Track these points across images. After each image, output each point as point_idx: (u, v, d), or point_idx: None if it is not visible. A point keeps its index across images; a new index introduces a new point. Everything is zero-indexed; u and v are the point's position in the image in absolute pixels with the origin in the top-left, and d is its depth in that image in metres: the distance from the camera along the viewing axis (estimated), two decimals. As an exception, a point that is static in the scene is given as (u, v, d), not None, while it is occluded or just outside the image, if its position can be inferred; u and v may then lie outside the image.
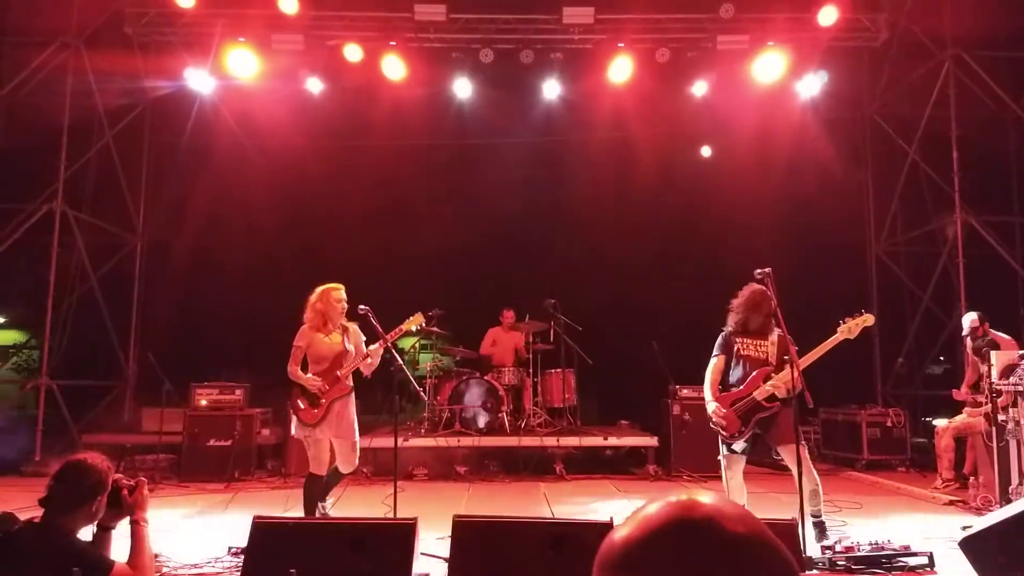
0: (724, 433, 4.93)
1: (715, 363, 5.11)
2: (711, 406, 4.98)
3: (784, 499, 6.43)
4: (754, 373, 4.88)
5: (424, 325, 5.66)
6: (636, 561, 0.77)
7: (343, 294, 5.30)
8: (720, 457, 5.08)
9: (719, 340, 5.18)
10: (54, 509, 2.85)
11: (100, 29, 9.22)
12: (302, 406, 5.13)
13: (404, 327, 5.41)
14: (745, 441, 4.91)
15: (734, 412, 4.89)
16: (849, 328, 4.77)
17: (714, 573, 0.74)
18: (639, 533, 0.78)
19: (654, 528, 0.78)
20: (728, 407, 4.91)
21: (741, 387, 4.91)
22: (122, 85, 9.58)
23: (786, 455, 4.76)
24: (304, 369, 5.21)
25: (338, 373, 5.17)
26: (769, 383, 4.79)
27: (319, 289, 5.28)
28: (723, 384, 5.09)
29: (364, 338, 5.35)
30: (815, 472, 4.82)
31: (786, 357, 4.70)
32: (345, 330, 5.32)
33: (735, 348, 5.06)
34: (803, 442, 4.74)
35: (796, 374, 4.57)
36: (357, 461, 5.28)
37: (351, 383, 5.26)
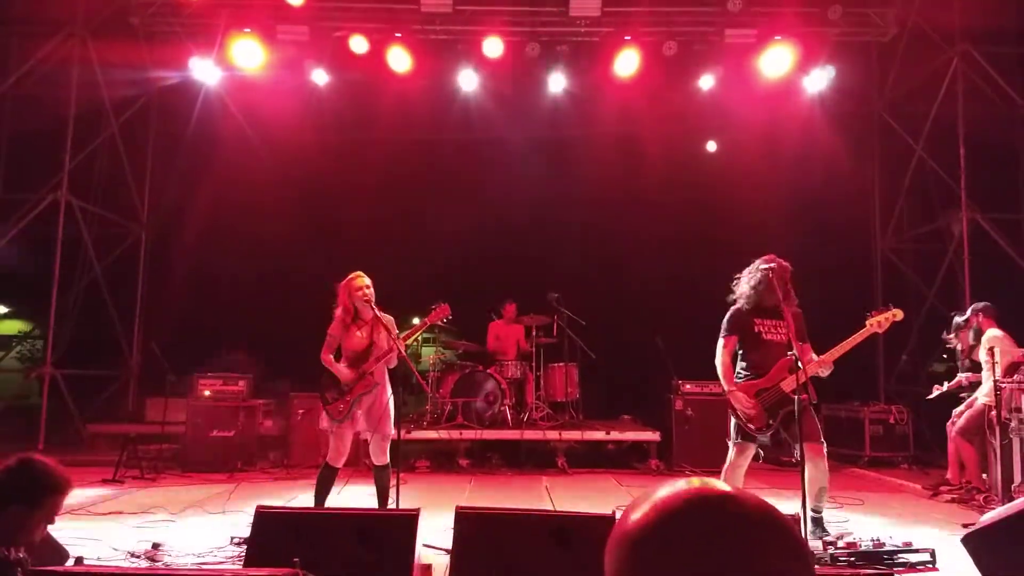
0: (751, 426, 4.63)
1: (726, 344, 4.78)
2: (738, 396, 4.61)
3: (786, 494, 6.43)
4: (779, 362, 4.56)
5: (449, 318, 5.45)
6: (652, 540, 0.77)
7: (365, 281, 5.07)
8: (732, 442, 4.80)
9: (729, 318, 4.85)
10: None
11: (106, 20, 9.22)
12: (330, 399, 5.05)
13: (429, 320, 5.26)
14: (770, 436, 4.64)
15: (760, 404, 4.59)
16: (878, 322, 4.54)
17: (730, 552, 0.74)
18: (655, 513, 0.78)
19: (670, 508, 0.78)
20: (753, 398, 4.60)
21: (763, 376, 4.60)
22: (127, 76, 9.57)
23: (805, 451, 4.48)
24: (337, 359, 5.08)
25: (363, 368, 5.03)
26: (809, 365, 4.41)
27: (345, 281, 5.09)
28: (736, 368, 4.80)
29: (395, 332, 5.07)
30: (827, 472, 4.65)
31: (791, 351, 4.43)
32: (377, 323, 5.06)
33: (754, 330, 4.71)
34: (823, 441, 4.62)
35: (809, 363, 4.43)
36: (388, 454, 5.05)
37: (380, 377, 5.07)
